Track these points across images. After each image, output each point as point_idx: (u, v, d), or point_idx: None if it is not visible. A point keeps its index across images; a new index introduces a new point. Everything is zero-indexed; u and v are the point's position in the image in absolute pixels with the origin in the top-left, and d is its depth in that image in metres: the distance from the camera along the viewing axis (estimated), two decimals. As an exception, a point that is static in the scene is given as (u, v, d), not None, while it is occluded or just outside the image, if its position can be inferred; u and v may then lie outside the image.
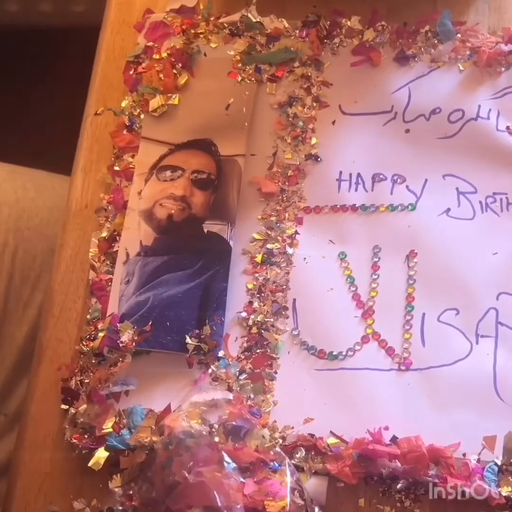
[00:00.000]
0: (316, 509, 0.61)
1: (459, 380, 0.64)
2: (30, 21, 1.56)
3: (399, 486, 0.62)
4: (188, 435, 0.62)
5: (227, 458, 0.60)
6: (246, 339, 0.68)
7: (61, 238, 0.76)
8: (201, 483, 0.59)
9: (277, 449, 0.62)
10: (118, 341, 0.67)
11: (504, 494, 0.59)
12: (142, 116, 0.78)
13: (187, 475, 0.60)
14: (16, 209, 0.93)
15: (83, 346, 0.69)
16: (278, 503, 0.59)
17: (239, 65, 0.79)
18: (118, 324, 0.68)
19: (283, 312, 0.69)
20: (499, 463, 0.60)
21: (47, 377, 0.70)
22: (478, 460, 0.61)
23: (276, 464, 0.61)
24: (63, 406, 0.67)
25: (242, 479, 0.60)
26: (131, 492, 0.63)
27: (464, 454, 0.61)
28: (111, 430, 0.64)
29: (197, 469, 0.60)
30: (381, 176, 0.74)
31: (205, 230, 0.72)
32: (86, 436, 0.65)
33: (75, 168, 0.79)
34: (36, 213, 0.95)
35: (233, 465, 0.60)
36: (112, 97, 0.81)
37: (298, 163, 0.75)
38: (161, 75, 0.79)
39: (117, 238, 0.73)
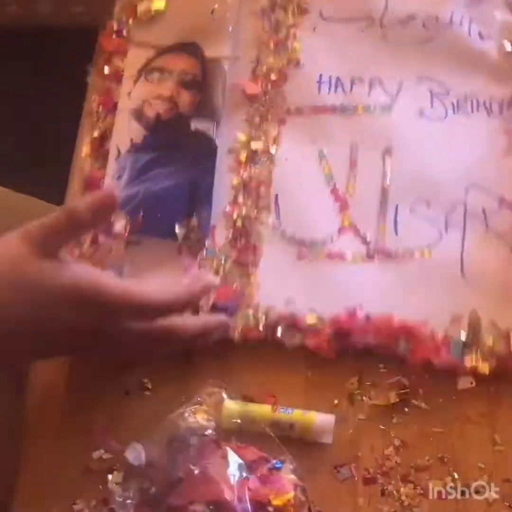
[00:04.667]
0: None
1: (429, 265, 0.65)
2: (29, 22, 1.48)
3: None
4: (192, 432, 0.60)
5: (232, 454, 0.59)
6: (231, 231, 0.69)
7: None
8: (207, 476, 0.58)
9: (280, 444, 0.60)
10: (111, 230, 0.67)
11: (467, 365, 0.61)
12: (130, 21, 0.77)
13: (192, 468, 0.58)
14: None
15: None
16: (284, 497, 0.58)
17: (224, -30, 0.78)
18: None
19: (266, 207, 0.70)
20: (464, 338, 0.62)
21: (46, 379, 0.66)
22: (445, 336, 0.62)
23: (279, 462, 0.60)
24: None
25: (246, 475, 0.59)
26: (130, 491, 0.61)
27: (431, 330, 0.62)
28: None
29: (202, 463, 0.58)
30: (359, 79, 0.74)
31: (192, 128, 0.71)
32: None
33: (73, 170, 0.74)
34: None
35: (239, 461, 0.59)
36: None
37: (281, 67, 0.74)
38: (149, -20, 0.78)
39: (109, 135, 0.72)
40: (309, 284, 0.66)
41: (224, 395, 0.62)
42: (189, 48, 0.74)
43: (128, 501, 0.60)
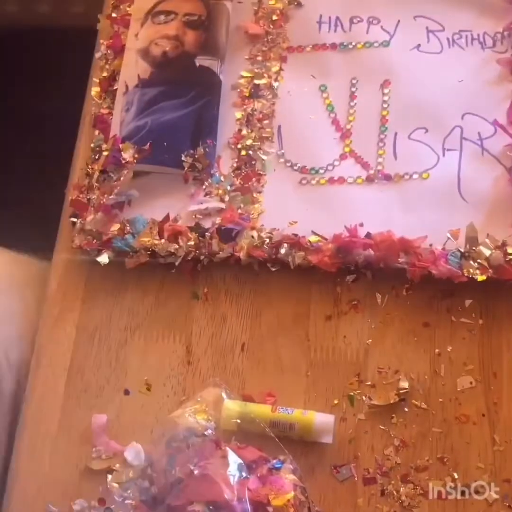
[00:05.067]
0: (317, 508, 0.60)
1: (427, 185, 0.66)
2: (29, 22, 1.46)
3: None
4: (192, 432, 0.60)
5: (231, 454, 0.59)
6: (236, 160, 0.70)
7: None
8: (207, 476, 0.57)
9: (279, 444, 0.60)
10: (120, 159, 0.69)
11: (466, 274, 0.61)
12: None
13: (192, 468, 0.58)
14: None
15: (88, 170, 0.71)
16: (284, 496, 0.57)
17: None
18: (120, 145, 0.69)
19: (269, 138, 0.71)
20: (462, 249, 0.62)
21: (45, 379, 0.67)
22: (443, 248, 0.63)
23: (279, 462, 0.60)
24: (72, 219, 0.69)
25: (246, 475, 0.58)
26: (130, 491, 0.61)
27: (430, 245, 0.63)
28: (116, 233, 0.67)
29: (202, 463, 0.58)
30: (358, 18, 0.75)
31: (197, 64, 0.72)
32: (94, 242, 0.67)
33: (74, 165, 0.74)
34: None
35: (239, 461, 0.58)
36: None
37: (282, 8, 0.76)
38: None
39: (117, 77, 0.74)
40: (311, 208, 0.67)
41: (224, 395, 0.62)
42: (193, -9, 0.76)
43: (128, 501, 0.60)
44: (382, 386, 0.62)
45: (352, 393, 0.62)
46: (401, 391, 0.61)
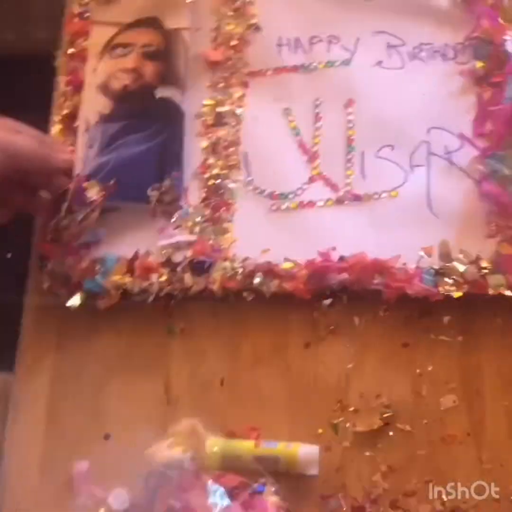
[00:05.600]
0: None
1: (397, 204, 0.65)
2: None
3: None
4: (170, 466, 0.59)
5: (211, 484, 0.58)
6: (204, 190, 0.69)
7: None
8: (189, 509, 0.56)
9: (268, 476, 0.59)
10: (85, 198, 0.67)
11: (441, 291, 0.61)
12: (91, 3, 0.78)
13: (173, 502, 0.57)
14: None
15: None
16: None
17: None
18: (84, 183, 0.68)
19: (236, 165, 0.70)
20: (436, 266, 0.62)
21: (23, 432, 0.65)
22: (417, 267, 0.62)
23: (261, 486, 0.59)
24: (40, 262, 0.67)
25: (229, 503, 0.57)
26: None
27: (404, 264, 0.62)
28: (86, 274, 0.65)
29: (183, 496, 0.57)
30: (318, 38, 0.74)
31: (158, 96, 0.71)
32: (63, 284, 0.66)
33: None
34: None
35: (220, 490, 0.57)
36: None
37: (241, 32, 0.75)
38: (105, -39, 0.78)
39: (78, 113, 0.73)
40: (283, 234, 0.66)
41: (199, 427, 0.61)
42: (149, 22, 0.74)
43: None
44: (366, 411, 0.61)
45: (335, 421, 0.61)
46: (384, 416, 0.60)
